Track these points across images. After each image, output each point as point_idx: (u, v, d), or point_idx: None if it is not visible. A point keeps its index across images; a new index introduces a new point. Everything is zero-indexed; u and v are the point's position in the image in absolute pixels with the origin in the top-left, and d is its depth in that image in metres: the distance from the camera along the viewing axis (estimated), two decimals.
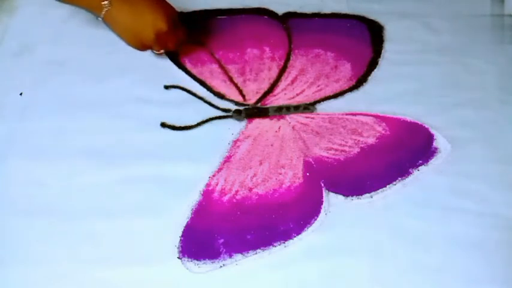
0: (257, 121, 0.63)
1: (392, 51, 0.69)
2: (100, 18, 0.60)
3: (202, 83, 0.66)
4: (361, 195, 0.57)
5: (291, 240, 0.54)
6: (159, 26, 0.60)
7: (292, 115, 0.63)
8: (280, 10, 0.73)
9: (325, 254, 0.53)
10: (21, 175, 0.58)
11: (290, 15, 0.73)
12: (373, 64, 0.68)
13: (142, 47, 0.63)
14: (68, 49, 0.68)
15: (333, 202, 0.56)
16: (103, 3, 0.59)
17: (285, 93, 0.65)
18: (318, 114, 0.64)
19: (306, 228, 0.54)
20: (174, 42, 0.63)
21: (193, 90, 0.65)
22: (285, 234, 0.54)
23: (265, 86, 0.66)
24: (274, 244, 0.54)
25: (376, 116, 0.63)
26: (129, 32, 0.61)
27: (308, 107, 0.64)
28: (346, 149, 0.60)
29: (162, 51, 0.65)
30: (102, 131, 0.61)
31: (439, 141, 0.61)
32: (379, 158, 0.59)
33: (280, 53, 0.69)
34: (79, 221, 0.55)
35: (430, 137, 0.61)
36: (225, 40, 0.70)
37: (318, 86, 0.66)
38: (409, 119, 0.62)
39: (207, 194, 0.57)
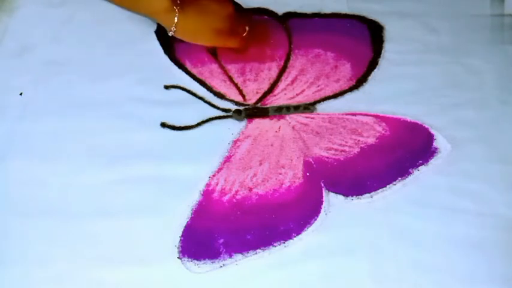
0: (257, 121, 0.63)
1: (392, 51, 0.69)
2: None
3: (202, 83, 0.66)
4: (361, 195, 0.57)
5: (291, 240, 0.54)
6: (217, 25, 0.64)
7: (292, 115, 0.63)
8: (280, 10, 0.73)
9: (325, 254, 0.53)
10: (21, 175, 0.58)
11: (290, 15, 0.73)
12: (373, 64, 0.68)
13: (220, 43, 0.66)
14: (68, 49, 0.68)
15: (333, 202, 0.56)
16: (169, 33, 0.64)
17: (285, 93, 0.65)
18: (318, 114, 0.64)
19: (306, 228, 0.54)
20: (237, 39, 0.66)
21: (193, 90, 0.65)
22: (285, 234, 0.54)
23: (265, 86, 0.66)
24: (274, 244, 0.54)
25: (376, 116, 0.63)
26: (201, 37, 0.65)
27: (308, 107, 0.64)
28: (346, 149, 0.60)
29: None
30: (102, 131, 0.61)
31: (439, 141, 0.61)
32: (379, 158, 0.59)
33: (280, 53, 0.69)
34: (79, 221, 0.55)
35: (430, 137, 0.61)
36: None
37: (318, 86, 0.66)
38: (409, 119, 0.62)
39: (207, 194, 0.57)
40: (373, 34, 0.71)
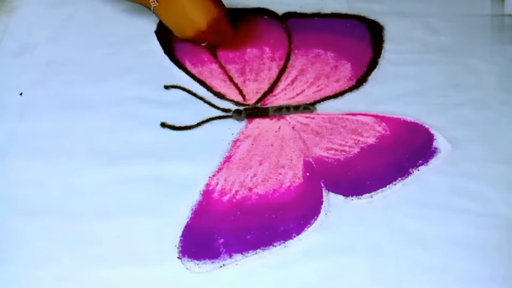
0: (257, 121, 0.63)
1: (392, 51, 0.69)
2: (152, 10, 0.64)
3: (202, 83, 0.66)
4: (361, 195, 0.57)
5: (291, 240, 0.54)
6: (212, 12, 0.62)
7: (292, 115, 0.63)
8: (280, 10, 0.73)
9: (325, 254, 0.53)
10: (21, 175, 0.58)
11: (290, 15, 0.73)
12: (373, 64, 0.68)
13: (196, 36, 0.64)
14: (68, 49, 0.68)
15: (333, 202, 0.56)
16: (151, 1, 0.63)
17: (285, 93, 0.65)
18: (318, 114, 0.64)
19: (306, 228, 0.54)
20: (226, 32, 0.65)
21: (193, 90, 0.65)
22: (285, 234, 0.54)
23: (265, 86, 0.66)
24: (274, 244, 0.53)
25: (376, 116, 0.63)
26: (180, 23, 0.63)
27: (308, 107, 0.64)
28: (346, 149, 0.60)
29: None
30: (102, 131, 0.61)
31: (439, 141, 0.61)
32: (379, 158, 0.59)
33: (280, 53, 0.69)
34: (79, 221, 0.54)
35: (430, 137, 0.61)
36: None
37: (318, 86, 0.66)
38: (409, 119, 0.62)
39: (207, 194, 0.57)
40: (373, 34, 0.71)
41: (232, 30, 0.66)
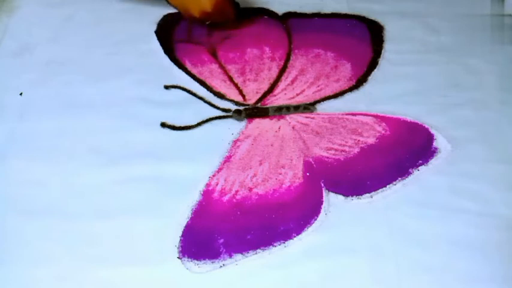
0: (257, 121, 0.63)
1: (392, 51, 0.69)
2: None
3: (202, 83, 0.66)
4: (361, 195, 0.57)
5: (291, 240, 0.54)
6: None
7: (292, 115, 0.63)
8: (280, 10, 0.73)
9: (325, 254, 0.53)
10: (21, 175, 0.58)
11: (290, 15, 0.73)
12: (373, 64, 0.68)
13: (200, 16, 0.65)
14: (68, 49, 0.68)
15: (333, 202, 0.56)
16: None
17: (285, 93, 0.65)
18: (318, 114, 0.64)
19: (306, 228, 0.54)
20: (229, 14, 0.66)
21: (193, 90, 0.65)
22: (285, 234, 0.54)
23: (265, 86, 0.66)
24: (274, 244, 0.53)
25: (376, 116, 0.63)
26: (186, 2, 0.64)
27: (308, 107, 0.64)
28: (346, 149, 0.60)
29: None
30: (102, 131, 0.61)
31: (439, 141, 0.61)
32: (379, 158, 0.59)
33: (280, 53, 0.69)
34: (79, 221, 0.54)
35: (430, 137, 0.61)
36: (225, 40, 0.70)
37: (318, 86, 0.66)
38: (409, 119, 0.62)
39: (207, 194, 0.57)
40: (373, 34, 0.71)
41: (234, 13, 0.68)
